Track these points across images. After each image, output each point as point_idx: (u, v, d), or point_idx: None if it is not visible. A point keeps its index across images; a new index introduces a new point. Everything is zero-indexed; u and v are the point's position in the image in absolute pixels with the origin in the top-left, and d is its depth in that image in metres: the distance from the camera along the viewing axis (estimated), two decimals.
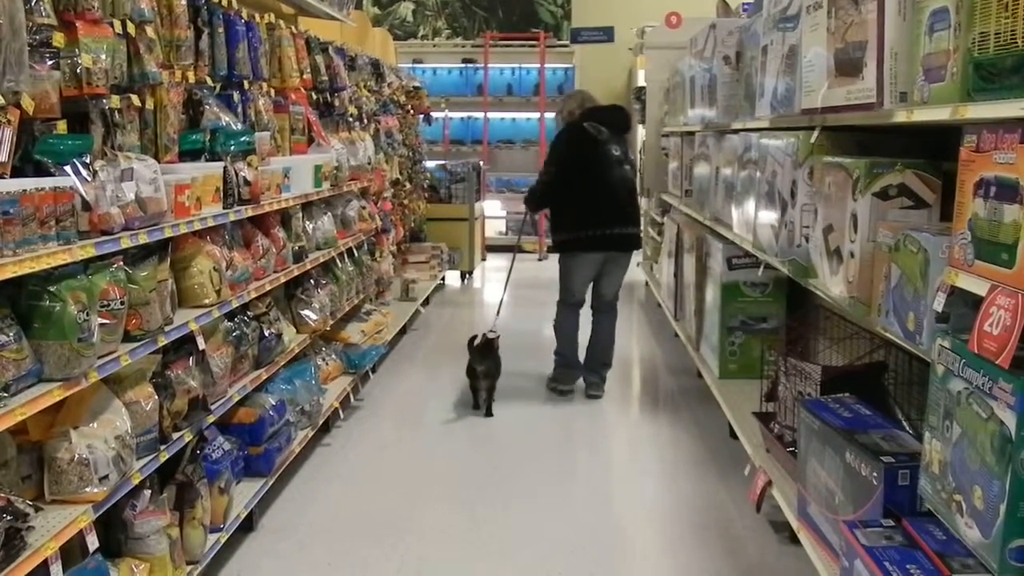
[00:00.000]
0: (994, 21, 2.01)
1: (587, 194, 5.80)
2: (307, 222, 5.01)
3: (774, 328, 5.06)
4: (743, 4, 7.07)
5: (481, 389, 5.76)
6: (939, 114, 2.26)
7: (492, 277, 9.19)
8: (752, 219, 4.25)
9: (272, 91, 4.77)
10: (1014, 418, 1.91)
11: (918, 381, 3.28)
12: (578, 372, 6.16)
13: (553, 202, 6.04)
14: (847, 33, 2.92)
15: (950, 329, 2.26)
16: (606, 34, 12.57)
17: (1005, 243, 1.97)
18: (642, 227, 6.59)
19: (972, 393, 2.08)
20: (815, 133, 3.35)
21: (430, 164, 10.48)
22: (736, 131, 4.81)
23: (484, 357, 5.73)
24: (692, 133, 6.52)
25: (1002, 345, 1.92)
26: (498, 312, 6.47)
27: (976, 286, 2.09)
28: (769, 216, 3.91)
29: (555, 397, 6.13)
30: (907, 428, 3.03)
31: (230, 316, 3.89)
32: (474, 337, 5.93)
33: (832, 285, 3.09)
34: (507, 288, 6.82)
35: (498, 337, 5.85)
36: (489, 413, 5.71)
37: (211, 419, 3.60)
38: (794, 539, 3.55)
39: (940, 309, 2.27)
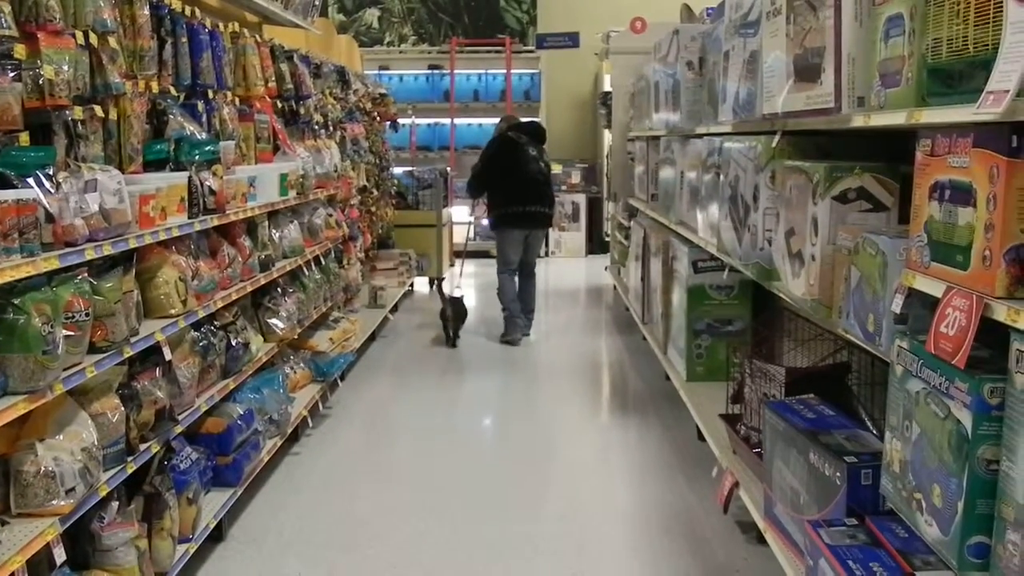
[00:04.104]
0: (947, 27, 2.05)
1: (511, 182, 7.65)
2: (273, 231, 5.00)
3: (740, 330, 5.11)
4: (707, 9, 7.14)
5: (450, 328, 7.57)
6: (895, 119, 2.30)
7: (461, 282, 9.26)
8: (716, 223, 4.29)
9: (237, 100, 4.75)
10: (970, 417, 1.95)
11: (880, 382, 3.32)
12: (522, 324, 7.84)
13: (489, 190, 7.84)
14: (806, 39, 2.96)
15: (908, 330, 2.30)
16: (572, 40, 12.60)
17: (960, 245, 2.01)
18: (556, 209, 8.78)
19: (930, 393, 2.12)
20: (776, 138, 3.39)
21: (397, 171, 10.47)
22: (700, 136, 4.85)
23: (452, 305, 7.63)
24: (657, 137, 6.57)
25: (958, 346, 1.96)
26: (460, 273, 9.34)
27: (932, 288, 2.13)
28: (732, 220, 3.95)
29: (526, 408, 6.24)
30: (871, 428, 3.07)
31: (196, 326, 3.87)
32: (440, 281, 8.15)
33: (794, 288, 3.13)
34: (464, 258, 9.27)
35: (463, 297, 7.85)
36: (454, 345, 7.55)
37: (179, 429, 3.58)
38: (761, 539, 3.59)
39: (898, 311, 2.30)
